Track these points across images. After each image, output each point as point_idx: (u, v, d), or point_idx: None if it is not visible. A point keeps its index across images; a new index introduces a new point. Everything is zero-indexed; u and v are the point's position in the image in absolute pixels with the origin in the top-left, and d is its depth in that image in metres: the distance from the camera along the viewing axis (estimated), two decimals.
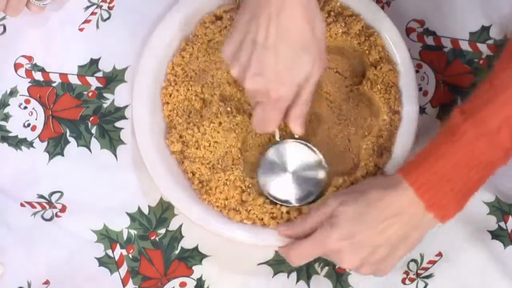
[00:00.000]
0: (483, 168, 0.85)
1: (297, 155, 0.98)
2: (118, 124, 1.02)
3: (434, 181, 0.85)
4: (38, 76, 1.04)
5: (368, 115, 0.99)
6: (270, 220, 0.95)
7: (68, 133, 1.02)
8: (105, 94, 1.03)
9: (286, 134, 0.98)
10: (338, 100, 1.00)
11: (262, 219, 0.95)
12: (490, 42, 1.03)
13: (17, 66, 1.05)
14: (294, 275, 0.98)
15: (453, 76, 1.03)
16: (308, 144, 0.98)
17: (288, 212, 0.95)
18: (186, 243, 0.99)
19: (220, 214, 0.95)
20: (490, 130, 0.83)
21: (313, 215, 0.91)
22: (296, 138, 0.98)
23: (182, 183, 0.97)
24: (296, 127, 0.94)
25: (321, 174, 0.97)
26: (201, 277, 0.98)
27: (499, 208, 0.99)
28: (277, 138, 0.98)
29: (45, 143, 1.02)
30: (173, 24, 1.01)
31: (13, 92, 1.04)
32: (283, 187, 0.97)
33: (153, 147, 0.97)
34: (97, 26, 1.06)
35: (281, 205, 0.96)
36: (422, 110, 1.01)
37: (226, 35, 0.95)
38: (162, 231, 0.99)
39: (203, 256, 0.98)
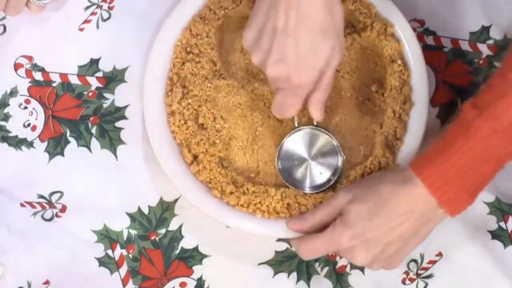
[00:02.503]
0: (495, 163, 0.84)
1: (315, 142, 0.97)
2: (118, 124, 1.02)
3: (447, 178, 0.84)
4: (38, 76, 1.04)
5: (380, 110, 0.99)
6: (286, 210, 0.95)
7: (68, 133, 1.02)
8: (105, 94, 1.03)
9: (304, 121, 0.98)
10: (355, 93, 1.01)
11: (276, 210, 0.95)
12: (490, 42, 1.03)
13: (17, 66, 1.05)
14: (294, 275, 0.98)
15: (453, 76, 1.03)
16: (326, 131, 0.97)
17: (307, 200, 0.95)
18: (186, 243, 0.99)
19: (234, 209, 0.95)
20: (503, 125, 0.82)
21: (322, 209, 0.91)
22: (315, 126, 0.97)
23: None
24: (316, 113, 0.94)
25: (339, 161, 0.97)
26: (201, 277, 0.98)
27: (499, 208, 0.99)
28: (296, 124, 0.97)
29: (45, 143, 1.02)
30: (178, 24, 1.01)
31: (13, 92, 1.04)
32: (302, 175, 0.97)
33: (167, 145, 0.97)
34: (97, 26, 1.06)
35: (300, 192, 0.96)
36: None
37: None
38: (162, 231, 0.99)
39: (203, 256, 0.98)
